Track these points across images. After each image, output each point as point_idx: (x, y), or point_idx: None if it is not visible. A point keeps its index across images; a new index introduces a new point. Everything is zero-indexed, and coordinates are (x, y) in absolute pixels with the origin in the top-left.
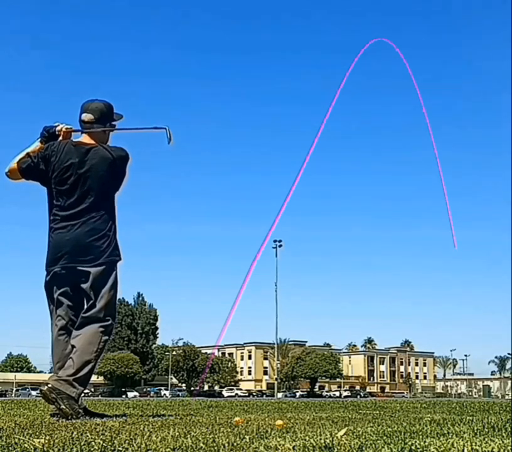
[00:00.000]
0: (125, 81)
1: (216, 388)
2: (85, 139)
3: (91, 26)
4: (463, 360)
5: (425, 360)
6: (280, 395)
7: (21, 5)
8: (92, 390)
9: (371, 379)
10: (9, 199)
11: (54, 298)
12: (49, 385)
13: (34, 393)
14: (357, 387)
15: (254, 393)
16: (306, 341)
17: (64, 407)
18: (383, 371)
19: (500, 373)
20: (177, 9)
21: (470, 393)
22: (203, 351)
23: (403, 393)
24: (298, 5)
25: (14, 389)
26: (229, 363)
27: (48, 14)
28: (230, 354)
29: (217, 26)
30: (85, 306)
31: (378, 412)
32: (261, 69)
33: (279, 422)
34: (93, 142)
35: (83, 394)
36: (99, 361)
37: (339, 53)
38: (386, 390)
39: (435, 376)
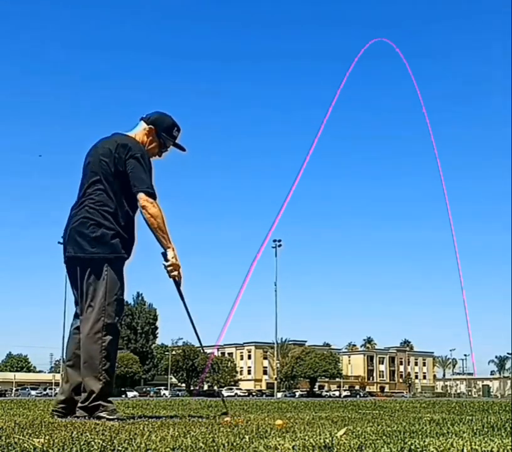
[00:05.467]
0: (126, 85)
1: (216, 388)
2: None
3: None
4: (463, 359)
5: (424, 360)
6: (279, 394)
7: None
8: None
9: (371, 379)
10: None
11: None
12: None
13: (33, 393)
14: (357, 387)
15: (254, 393)
16: (306, 341)
17: (106, 418)
18: (383, 371)
19: (500, 373)
20: (178, 17)
21: (470, 393)
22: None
23: (403, 393)
24: (298, 7)
25: (14, 389)
26: (229, 363)
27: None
28: (230, 354)
29: (217, 31)
30: (85, 305)
31: (377, 411)
32: (261, 72)
33: (279, 421)
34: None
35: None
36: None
37: (340, 55)
38: (385, 390)
39: (434, 376)
